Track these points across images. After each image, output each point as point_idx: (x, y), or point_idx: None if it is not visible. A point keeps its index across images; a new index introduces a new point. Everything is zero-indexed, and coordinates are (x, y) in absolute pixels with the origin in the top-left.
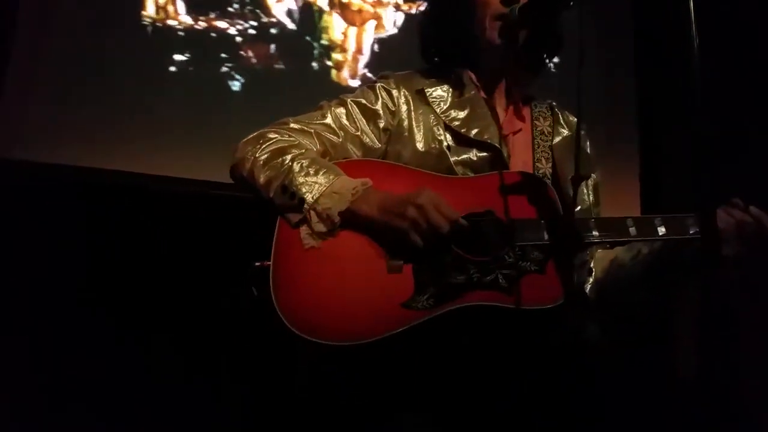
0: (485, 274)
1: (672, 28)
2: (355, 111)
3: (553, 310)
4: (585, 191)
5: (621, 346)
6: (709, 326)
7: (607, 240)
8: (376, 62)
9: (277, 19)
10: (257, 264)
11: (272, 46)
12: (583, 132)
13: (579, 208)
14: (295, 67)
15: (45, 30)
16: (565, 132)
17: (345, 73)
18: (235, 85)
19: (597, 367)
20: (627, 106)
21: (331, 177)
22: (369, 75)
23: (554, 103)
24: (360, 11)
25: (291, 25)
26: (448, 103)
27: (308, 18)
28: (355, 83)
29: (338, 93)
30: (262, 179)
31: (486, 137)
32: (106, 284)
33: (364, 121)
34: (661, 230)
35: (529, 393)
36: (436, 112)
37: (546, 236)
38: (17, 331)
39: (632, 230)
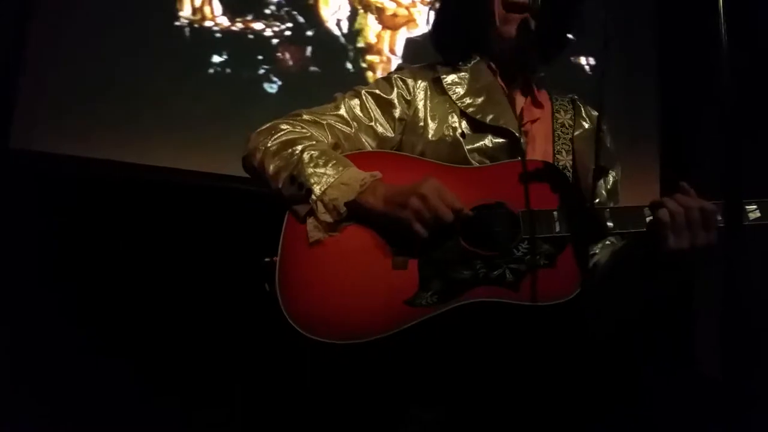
0: (492, 269)
1: (695, 21)
2: (370, 101)
3: (563, 306)
4: (605, 186)
5: (631, 341)
6: (730, 322)
7: (622, 230)
8: (410, 61)
9: (312, 21)
10: (267, 260)
11: (308, 48)
12: (605, 127)
13: (597, 201)
14: (330, 69)
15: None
16: (587, 125)
17: (380, 74)
18: (272, 88)
19: (607, 362)
20: (648, 105)
21: (340, 168)
22: None
23: (576, 97)
24: (395, 15)
25: (326, 27)
26: (464, 89)
27: (343, 20)
28: None
29: None
30: (271, 169)
31: (502, 123)
32: (119, 278)
33: (378, 111)
34: None
35: (538, 391)
36: (451, 99)
37: (558, 228)
38: (17, 329)
39: (649, 220)
